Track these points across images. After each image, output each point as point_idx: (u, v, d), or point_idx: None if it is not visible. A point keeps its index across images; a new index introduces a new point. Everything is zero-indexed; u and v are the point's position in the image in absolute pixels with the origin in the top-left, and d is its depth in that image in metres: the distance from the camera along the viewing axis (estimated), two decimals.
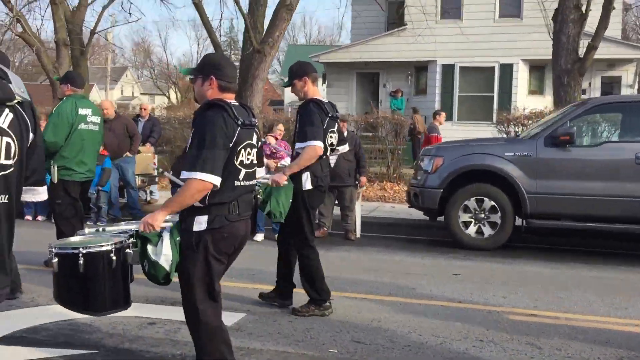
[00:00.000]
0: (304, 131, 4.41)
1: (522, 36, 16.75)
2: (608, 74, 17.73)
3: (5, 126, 1.53)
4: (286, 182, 4.39)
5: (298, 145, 4.48)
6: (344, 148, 4.99)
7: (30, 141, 1.68)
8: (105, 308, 3.18)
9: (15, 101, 1.57)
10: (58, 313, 4.20)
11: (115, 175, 9.02)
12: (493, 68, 17.92)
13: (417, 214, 9.04)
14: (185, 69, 3.81)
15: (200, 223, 2.94)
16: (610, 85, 17.93)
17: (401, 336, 4.27)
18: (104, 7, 17.50)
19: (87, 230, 3.75)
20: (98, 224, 8.59)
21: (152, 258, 3.00)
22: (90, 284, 3.08)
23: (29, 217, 9.06)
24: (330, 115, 4.54)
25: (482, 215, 7.52)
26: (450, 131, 14.46)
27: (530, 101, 16.31)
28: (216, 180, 2.86)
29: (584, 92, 14.76)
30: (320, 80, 17.86)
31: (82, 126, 5.76)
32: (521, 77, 17.82)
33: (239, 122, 2.96)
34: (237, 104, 3.08)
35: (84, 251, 3.04)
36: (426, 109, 18.02)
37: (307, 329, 4.37)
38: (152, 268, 3.02)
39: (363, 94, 19.99)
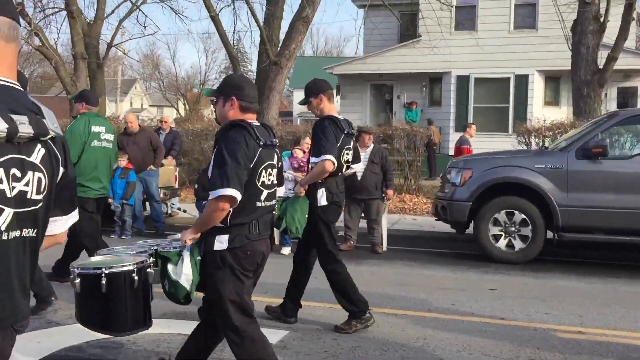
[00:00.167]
0: (318, 146, 4.45)
1: (538, 47, 16.77)
2: (624, 84, 17.68)
3: (37, 161, 1.53)
4: (303, 192, 4.45)
5: (313, 159, 4.52)
6: (359, 166, 5.00)
7: (61, 175, 1.64)
8: (126, 328, 3.16)
9: (49, 137, 1.55)
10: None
11: (139, 189, 8.99)
12: (508, 79, 17.89)
13: (441, 226, 8.97)
14: (206, 90, 3.84)
15: (222, 242, 2.97)
16: (626, 96, 17.87)
17: (451, 355, 4.19)
18: (121, 20, 17.48)
19: (105, 250, 3.76)
20: (123, 237, 8.57)
21: (173, 277, 3.04)
22: (112, 304, 3.07)
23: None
24: (346, 132, 4.54)
25: (513, 229, 7.44)
26: None
27: (546, 112, 16.24)
28: (238, 195, 2.87)
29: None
30: (334, 92, 17.85)
31: (95, 143, 5.75)
32: (537, 88, 17.79)
33: (261, 143, 2.98)
34: (259, 124, 3.10)
35: (107, 271, 3.02)
36: (441, 120, 18.02)
37: (353, 347, 4.30)
38: (172, 287, 3.06)
39: (377, 105, 20.00)
